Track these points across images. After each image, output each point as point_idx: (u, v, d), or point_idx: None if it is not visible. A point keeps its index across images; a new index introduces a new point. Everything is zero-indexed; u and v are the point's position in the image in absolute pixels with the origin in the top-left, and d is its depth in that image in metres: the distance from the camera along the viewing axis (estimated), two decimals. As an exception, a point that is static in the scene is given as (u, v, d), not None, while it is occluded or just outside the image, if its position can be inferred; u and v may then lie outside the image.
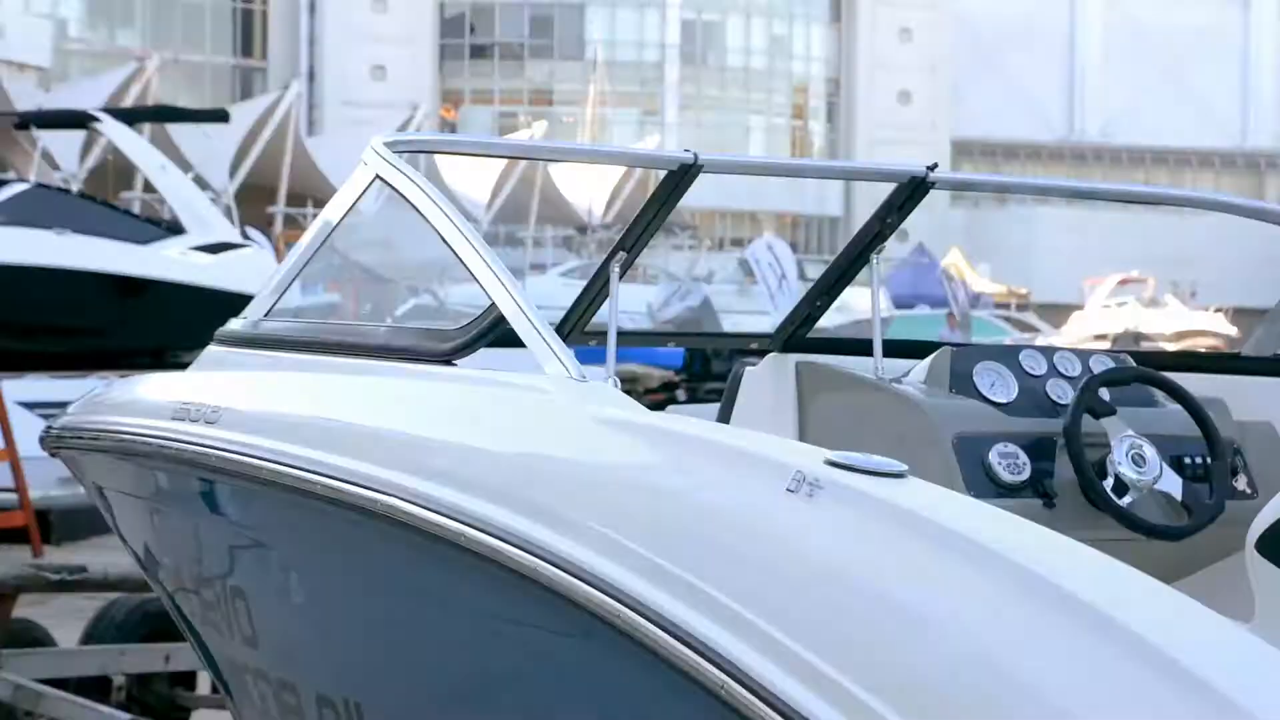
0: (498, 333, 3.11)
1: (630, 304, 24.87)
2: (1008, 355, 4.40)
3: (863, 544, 2.24)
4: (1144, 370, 4.34)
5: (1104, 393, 4.26)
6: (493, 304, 3.10)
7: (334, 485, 3.02)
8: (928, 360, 4.38)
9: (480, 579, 2.68)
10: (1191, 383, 4.51)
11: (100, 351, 14.53)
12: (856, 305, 33.50)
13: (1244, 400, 4.53)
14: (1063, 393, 4.31)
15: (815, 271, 33.01)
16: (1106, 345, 29.80)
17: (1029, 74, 65.90)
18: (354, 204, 3.65)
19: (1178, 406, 4.27)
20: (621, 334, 3.77)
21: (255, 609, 3.48)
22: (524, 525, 2.62)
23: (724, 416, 4.63)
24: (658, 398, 18.67)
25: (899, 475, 2.31)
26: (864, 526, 2.25)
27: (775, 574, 2.31)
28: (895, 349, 4.66)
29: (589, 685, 2.55)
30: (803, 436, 4.45)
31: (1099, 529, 4.13)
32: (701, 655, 2.29)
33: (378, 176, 3.51)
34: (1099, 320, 38.44)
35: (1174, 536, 4.08)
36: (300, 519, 3.21)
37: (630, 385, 19.42)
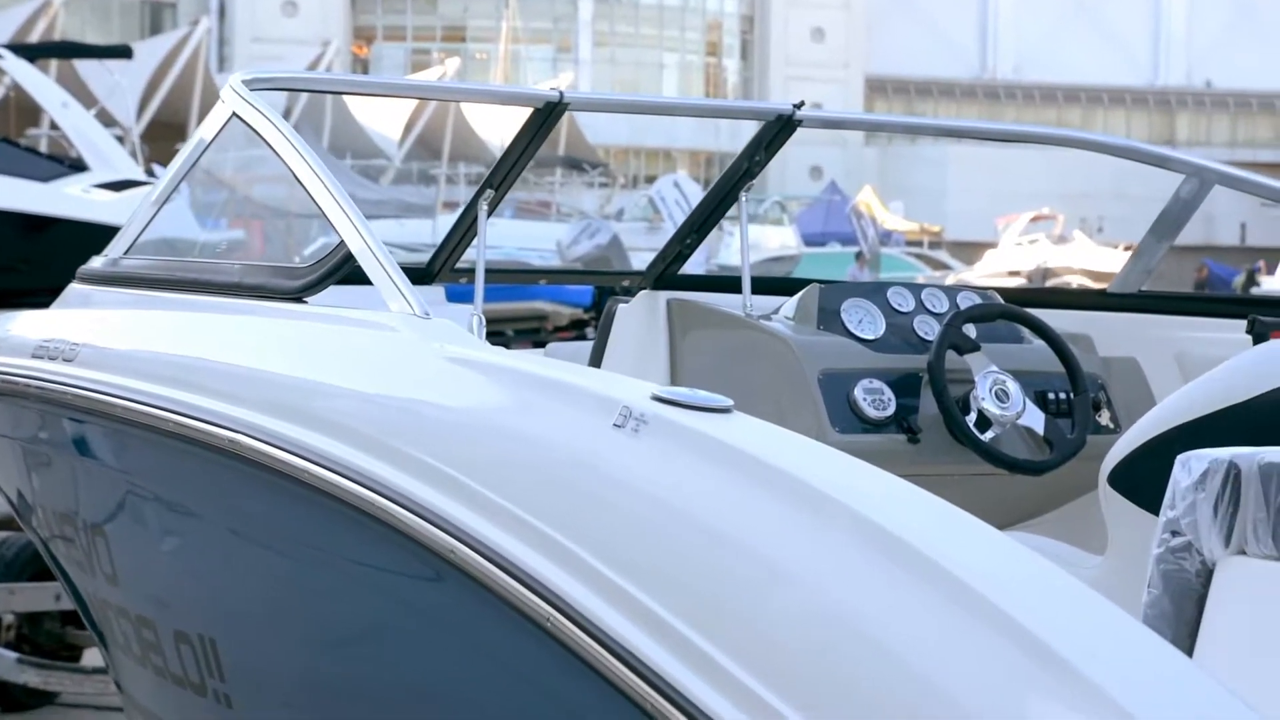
0: (346, 270, 3.11)
1: (541, 242, 24.82)
2: (875, 292, 4.43)
3: (685, 479, 2.26)
4: (1008, 307, 4.39)
5: (970, 329, 4.30)
6: (341, 242, 3.11)
7: (184, 422, 3.03)
8: (796, 297, 4.41)
9: (325, 516, 2.70)
10: (1058, 319, 4.56)
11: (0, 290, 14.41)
12: (767, 244, 33.67)
13: (1110, 336, 4.58)
14: (929, 329, 4.35)
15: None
16: (1018, 282, 29.99)
17: (943, 12, 66.01)
18: (211, 141, 3.64)
19: (1043, 343, 4.31)
20: (490, 271, 3.79)
21: (114, 546, 3.48)
22: (364, 461, 2.64)
23: (597, 353, 4.65)
24: (567, 335, 18.66)
25: (724, 410, 2.33)
26: (686, 462, 2.27)
27: (601, 508, 2.33)
28: (766, 286, 4.69)
29: (429, 621, 2.57)
30: (674, 372, 4.48)
31: (962, 464, 4.18)
32: (529, 588, 2.31)
33: (234, 114, 3.51)
34: (1011, 257, 38.66)
35: (1035, 471, 4.13)
36: (154, 456, 3.21)
37: (539, 323, 19.41)
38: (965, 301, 4.50)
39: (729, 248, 27.51)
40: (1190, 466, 2.47)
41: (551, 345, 5.02)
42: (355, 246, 3.04)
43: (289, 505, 2.81)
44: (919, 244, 46.02)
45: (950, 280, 26.31)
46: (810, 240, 36.35)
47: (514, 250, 23.52)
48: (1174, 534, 2.49)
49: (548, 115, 3.96)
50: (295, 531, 2.86)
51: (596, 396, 2.41)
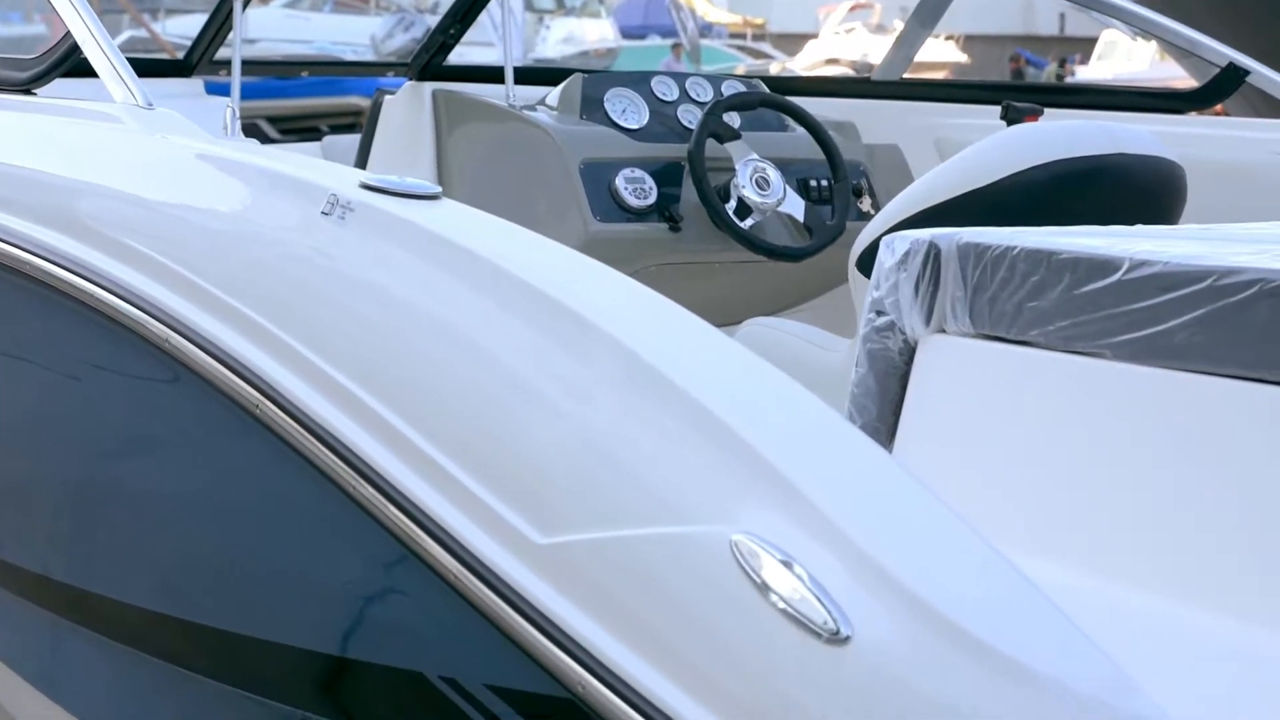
0: (73, 61, 3.07)
1: (357, 37, 24.48)
2: (640, 82, 4.44)
3: (390, 265, 2.27)
4: (769, 94, 4.41)
5: (733, 118, 4.33)
6: (68, 32, 3.06)
7: None
8: (560, 87, 4.40)
9: (43, 308, 2.69)
10: (823, 107, 4.59)
11: None
12: (585, 37, 33.39)
13: (873, 123, 4.63)
14: (693, 118, 4.36)
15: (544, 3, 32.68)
16: (839, 71, 29.96)
17: None
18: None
19: (806, 131, 4.34)
20: (250, 64, 3.75)
21: None
22: (81, 252, 2.62)
23: (364, 148, 4.63)
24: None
25: (432, 197, 2.34)
26: (392, 248, 2.28)
27: (308, 295, 2.33)
28: (531, 76, 4.68)
29: (151, 415, 2.58)
30: (440, 164, 4.47)
31: (723, 251, 4.23)
32: (237, 374, 2.32)
33: None
34: (831, 47, 38.61)
35: (795, 257, 4.18)
36: None
37: (355, 118, 19.15)
38: (729, 90, 4.52)
39: (545, 41, 27.27)
40: (894, 247, 2.52)
41: (327, 139, 4.98)
42: (80, 36, 3.00)
43: (18, 300, 2.79)
44: (742, 36, 45.82)
45: (774, 70, 26.29)
46: (629, 33, 36.07)
47: (328, 45, 23.19)
48: (879, 314, 2.54)
49: None
50: (26, 326, 2.84)
51: (305, 185, 2.41)
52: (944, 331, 2.51)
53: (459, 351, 2.15)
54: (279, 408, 2.27)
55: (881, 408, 2.58)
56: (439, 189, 2.37)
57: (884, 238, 2.57)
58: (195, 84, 4.49)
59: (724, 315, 4.18)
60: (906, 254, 2.50)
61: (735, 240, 4.14)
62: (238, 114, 3.28)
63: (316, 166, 2.54)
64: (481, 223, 2.34)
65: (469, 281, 2.18)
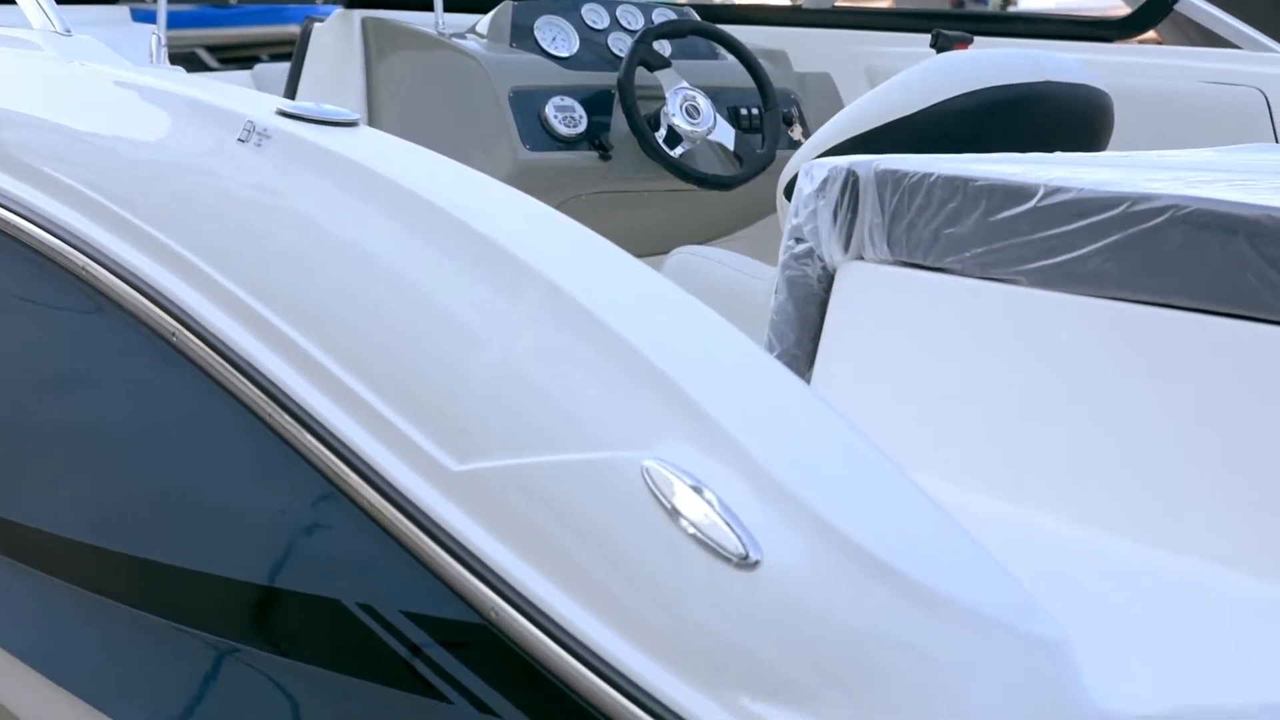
0: None
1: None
2: (570, 9, 4.41)
3: (306, 194, 2.26)
4: (699, 22, 4.40)
5: (664, 46, 4.31)
6: None
7: None
8: (490, 14, 4.38)
9: None
10: (755, 35, 4.58)
11: None
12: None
13: (805, 52, 4.62)
14: (624, 46, 4.34)
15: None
16: None
17: None
18: None
19: (737, 59, 4.34)
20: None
21: None
22: (6, 182, 2.61)
23: (293, 78, 4.59)
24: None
25: (349, 124, 2.33)
26: (308, 176, 2.27)
27: (223, 223, 2.32)
28: (462, 3, 4.65)
29: (73, 344, 2.57)
30: (370, 93, 4.45)
31: (653, 180, 4.22)
32: (155, 303, 2.32)
33: None
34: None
35: (724, 185, 4.18)
36: None
37: (293, 47, 19.00)
38: (660, 18, 4.50)
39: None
40: (813, 175, 2.52)
41: (258, 68, 4.95)
42: None
43: None
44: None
45: None
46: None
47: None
48: (798, 240, 2.54)
49: None
50: None
51: (221, 112, 2.40)
52: (862, 258, 2.52)
53: (375, 279, 2.15)
54: (196, 336, 2.26)
55: (800, 334, 2.59)
56: (357, 116, 2.36)
57: (803, 165, 2.57)
58: (121, 11, 4.45)
59: (654, 244, 4.18)
60: (825, 181, 2.51)
61: (665, 169, 4.13)
62: (164, 41, 3.26)
63: (235, 94, 2.52)
64: (399, 150, 2.33)
65: (386, 209, 2.17)
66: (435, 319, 2.07)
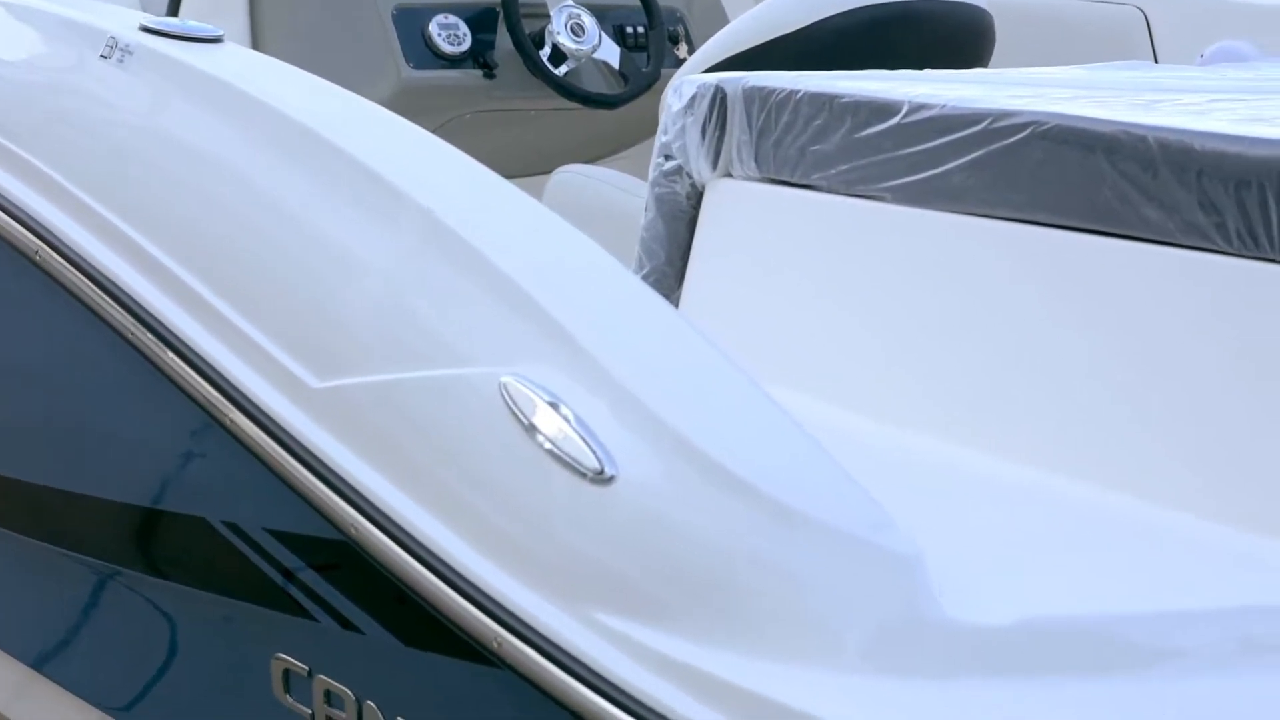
0: None
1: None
2: None
3: (169, 111, 2.24)
4: (583, -61, 4.37)
5: (548, -36, 4.29)
6: None
7: None
8: (373, -69, 4.34)
9: None
10: (645, -45, 4.55)
11: None
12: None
13: (692, -30, 4.60)
14: (508, -37, 4.32)
15: None
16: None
17: None
18: None
19: None
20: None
21: None
22: None
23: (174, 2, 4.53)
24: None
25: (214, 41, 2.31)
26: (171, 93, 2.25)
27: (88, 141, 2.30)
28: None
29: None
30: (253, 11, 4.40)
31: (538, 99, 4.21)
32: (17, 220, 2.30)
33: None
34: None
35: (609, 104, 4.17)
36: None
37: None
38: (545, -66, 4.47)
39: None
40: (681, 92, 2.52)
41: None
42: None
43: None
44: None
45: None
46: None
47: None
48: (667, 158, 2.54)
49: None
50: None
51: (84, 29, 2.37)
52: (730, 176, 2.52)
53: (237, 196, 2.13)
54: (58, 254, 2.25)
55: (670, 251, 2.59)
56: (221, 32, 2.34)
57: (671, 83, 2.57)
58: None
59: (538, 163, 4.17)
60: (693, 98, 2.51)
61: (550, 87, 4.12)
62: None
63: (101, 10, 2.49)
64: (262, 67, 2.31)
65: (248, 127, 2.16)
66: (296, 237, 2.06)
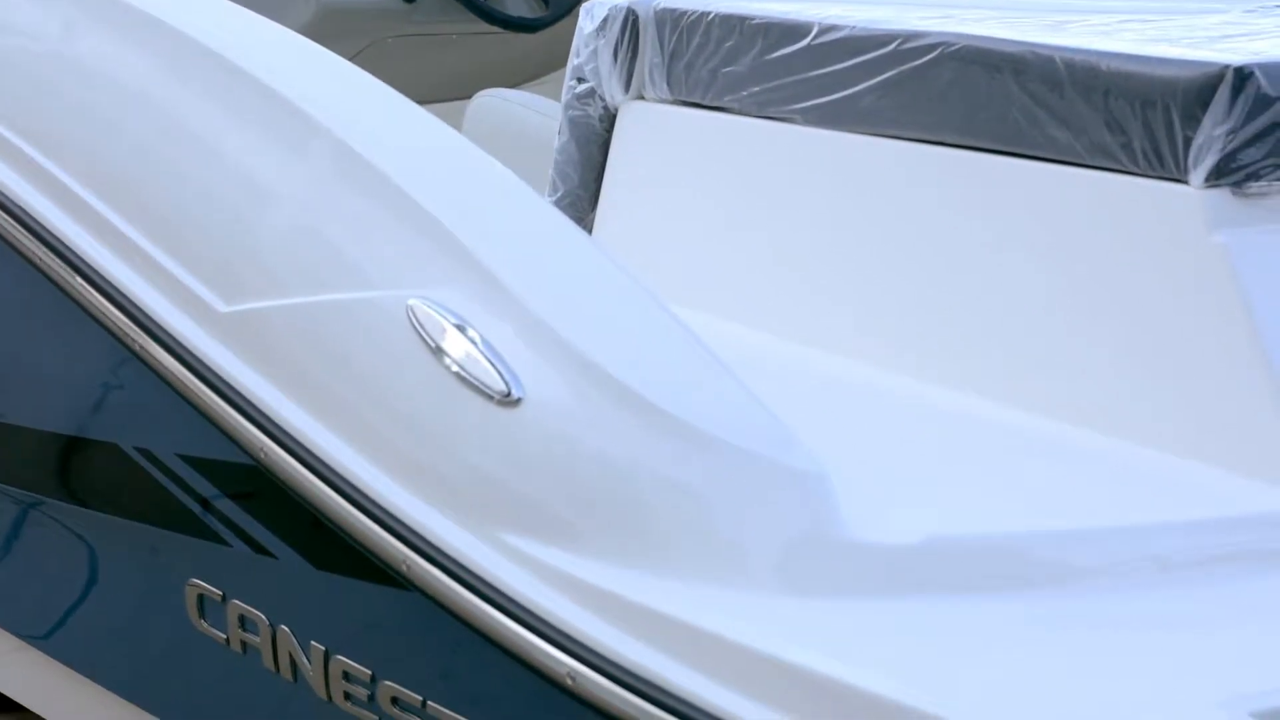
0: None
1: None
2: None
3: (76, 36, 2.21)
4: None
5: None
6: None
7: None
8: None
9: None
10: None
11: None
12: None
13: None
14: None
15: None
16: None
17: None
18: None
19: None
20: None
21: None
22: None
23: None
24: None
25: None
26: (78, 18, 2.22)
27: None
28: None
29: None
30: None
31: (460, 23, 4.18)
32: None
33: None
34: None
35: (530, 28, 4.15)
36: None
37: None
38: None
39: None
40: (593, 13, 2.51)
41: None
42: None
43: None
44: None
45: None
46: None
47: None
48: (579, 81, 2.53)
49: None
50: None
51: None
52: (643, 98, 2.51)
53: (147, 123, 2.12)
54: None
55: (584, 175, 2.58)
56: None
57: (584, 5, 2.56)
58: None
59: (459, 88, 4.14)
60: (605, 20, 2.50)
61: (470, 11, 4.09)
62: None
63: None
64: None
65: (159, 52, 2.13)
66: (206, 163, 2.05)
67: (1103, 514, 1.87)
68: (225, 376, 1.98)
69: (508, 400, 1.76)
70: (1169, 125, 2.01)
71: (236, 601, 2.08)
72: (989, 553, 1.77)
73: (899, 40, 2.23)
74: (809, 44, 2.31)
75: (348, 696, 1.96)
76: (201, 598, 2.13)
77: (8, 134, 2.22)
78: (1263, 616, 1.76)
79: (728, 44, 2.40)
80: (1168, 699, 1.53)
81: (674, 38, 2.45)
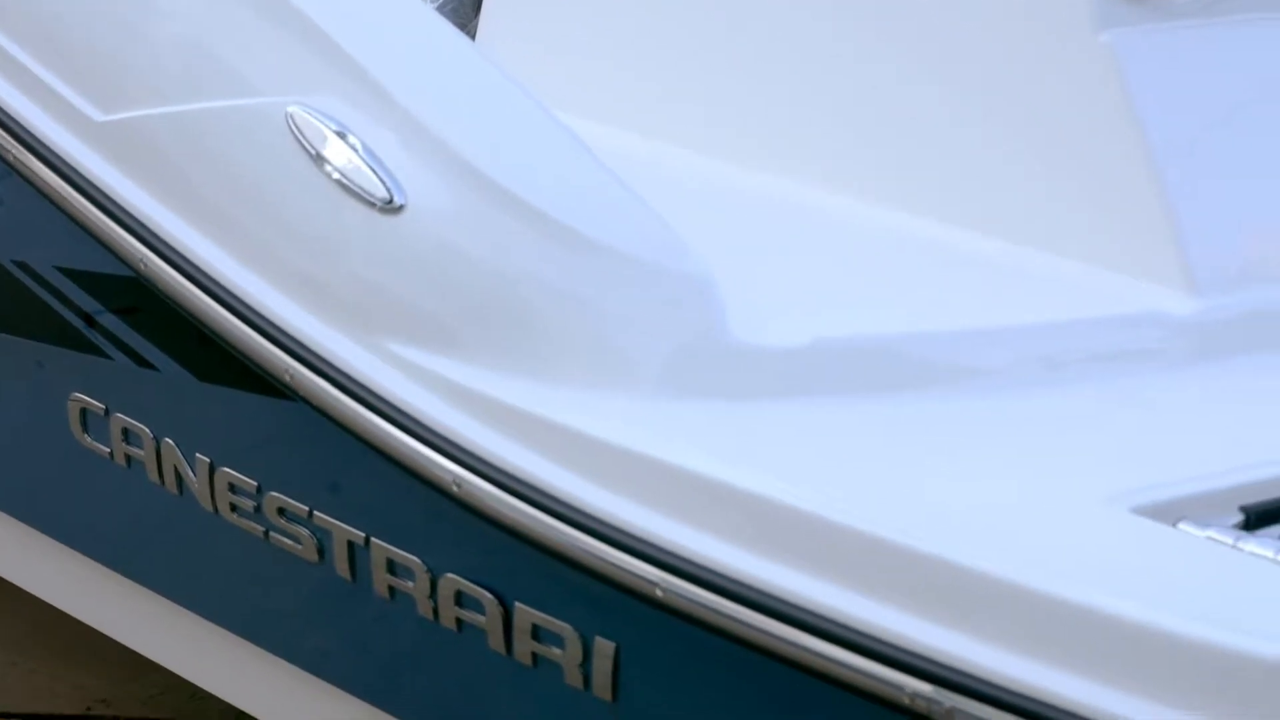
0: None
1: None
2: None
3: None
4: None
5: None
6: None
7: None
8: None
9: None
10: None
11: None
12: None
13: None
14: None
15: None
16: None
17: None
18: None
19: None
20: None
21: None
22: None
23: None
24: None
25: None
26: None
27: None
28: None
29: None
30: None
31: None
32: None
33: None
34: None
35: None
36: None
37: None
38: None
39: None
40: None
41: None
42: None
43: None
44: None
45: None
46: None
47: None
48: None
49: None
50: None
51: None
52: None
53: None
54: None
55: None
56: None
57: None
58: None
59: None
60: None
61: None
62: None
63: None
64: None
65: None
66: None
67: (991, 315, 1.87)
68: (103, 187, 1.94)
69: (390, 207, 1.73)
70: None
71: (119, 415, 2.06)
72: (876, 354, 1.76)
73: None
74: None
75: (234, 508, 1.95)
76: (84, 411, 2.11)
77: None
78: (1148, 413, 1.77)
79: None
80: (1052, 495, 1.53)
81: None
